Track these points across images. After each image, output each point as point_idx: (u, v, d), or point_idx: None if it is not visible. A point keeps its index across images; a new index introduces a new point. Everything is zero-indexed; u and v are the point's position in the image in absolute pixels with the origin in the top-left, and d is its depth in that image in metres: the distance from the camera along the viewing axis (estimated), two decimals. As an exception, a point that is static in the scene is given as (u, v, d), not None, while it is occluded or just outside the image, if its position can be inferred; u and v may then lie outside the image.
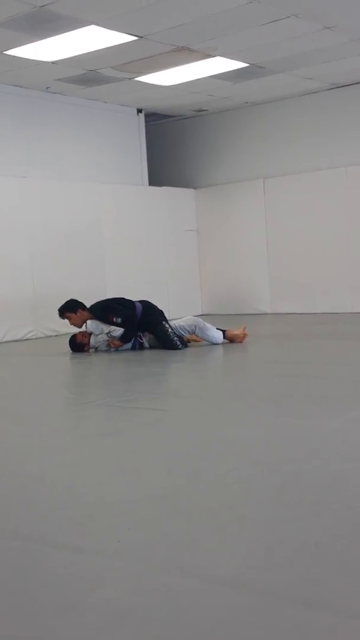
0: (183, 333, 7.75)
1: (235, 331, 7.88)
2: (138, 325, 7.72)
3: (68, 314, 7.86)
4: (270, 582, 2.12)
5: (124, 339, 7.68)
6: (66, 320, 7.99)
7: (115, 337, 7.72)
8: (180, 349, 7.55)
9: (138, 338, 7.80)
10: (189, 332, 7.79)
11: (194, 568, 2.24)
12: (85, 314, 7.82)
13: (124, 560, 2.33)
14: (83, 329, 7.96)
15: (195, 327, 7.79)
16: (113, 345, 7.69)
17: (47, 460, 3.63)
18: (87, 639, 1.88)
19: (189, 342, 7.92)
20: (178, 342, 7.57)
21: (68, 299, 8.01)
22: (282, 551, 2.32)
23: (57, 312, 7.99)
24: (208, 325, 7.83)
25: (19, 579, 2.24)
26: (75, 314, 7.82)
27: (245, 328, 7.93)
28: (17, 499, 3.06)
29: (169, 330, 7.60)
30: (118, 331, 7.72)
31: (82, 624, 1.95)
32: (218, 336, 7.77)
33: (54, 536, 2.57)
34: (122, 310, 7.64)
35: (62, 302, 7.98)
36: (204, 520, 2.65)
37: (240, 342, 7.78)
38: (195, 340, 7.95)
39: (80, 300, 8.01)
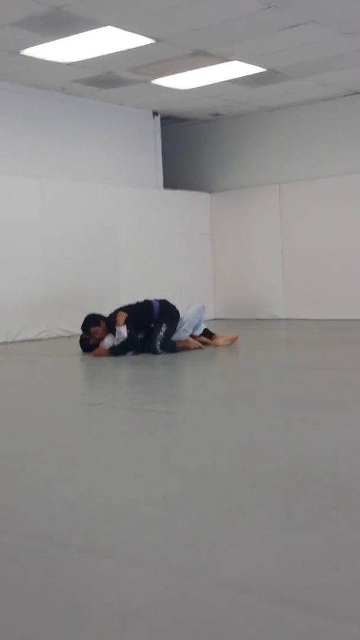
0: (183, 336, 7.73)
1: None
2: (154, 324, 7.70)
3: (94, 328, 7.82)
4: (282, 587, 2.10)
5: (114, 348, 7.57)
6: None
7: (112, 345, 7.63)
8: (159, 353, 7.50)
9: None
10: (192, 329, 7.84)
11: (205, 571, 2.22)
12: (104, 323, 7.81)
13: (134, 561, 2.31)
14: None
15: (199, 320, 7.92)
16: (95, 354, 7.63)
17: (59, 461, 3.62)
18: (96, 641, 1.86)
19: (186, 348, 7.75)
20: (158, 348, 7.52)
21: (88, 314, 7.93)
22: (294, 556, 2.30)
23: (80, 329, 7.94)
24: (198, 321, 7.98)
25: (30, 579, 2.23)
26: (100, 326, 7.81)
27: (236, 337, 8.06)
28: (29, 499, 3.05)
29: (161, 333, 7.54)
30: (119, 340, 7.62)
31: (92, 625, 1.93)
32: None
33: (65, 537, 2.56)
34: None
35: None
36: (215, 523, 2.64)
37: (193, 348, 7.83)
38: (202, 343, 7.92)
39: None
